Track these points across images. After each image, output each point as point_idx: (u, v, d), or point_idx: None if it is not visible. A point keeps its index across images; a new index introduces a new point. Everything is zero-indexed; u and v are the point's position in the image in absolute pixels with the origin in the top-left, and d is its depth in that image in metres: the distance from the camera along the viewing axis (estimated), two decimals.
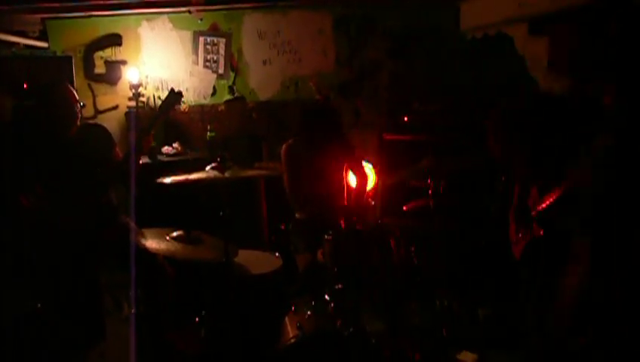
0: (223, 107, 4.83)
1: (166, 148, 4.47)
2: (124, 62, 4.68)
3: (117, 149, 3.20)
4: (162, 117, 3.05)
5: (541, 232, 2.23)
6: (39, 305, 2.50)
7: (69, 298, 2.77)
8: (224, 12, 4.77)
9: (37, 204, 2.80)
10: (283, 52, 4.92)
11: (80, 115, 3.08)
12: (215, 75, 4.84)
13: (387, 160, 4.31)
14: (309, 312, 2.56)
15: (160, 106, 3.08)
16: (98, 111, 4.67)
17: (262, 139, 4.79)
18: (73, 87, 4.16)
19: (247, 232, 4.03)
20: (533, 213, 2.32)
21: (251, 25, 4.85)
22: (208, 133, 4.51)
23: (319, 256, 2.92)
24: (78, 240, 2.83)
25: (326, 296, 2.65)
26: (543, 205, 2.24)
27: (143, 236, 2.53)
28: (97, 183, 2.93)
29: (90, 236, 2.88)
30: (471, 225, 3.51)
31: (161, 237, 2.57)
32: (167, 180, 2.49)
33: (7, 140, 3.03)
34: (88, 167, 2.95)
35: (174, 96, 2.99)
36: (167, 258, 2.92)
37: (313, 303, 2.61)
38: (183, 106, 4.66)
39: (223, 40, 4.82)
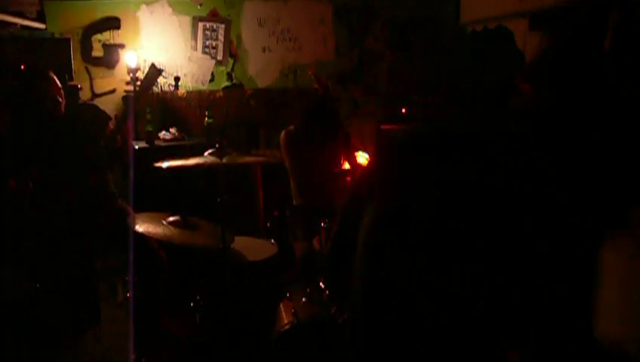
0: (221, 93, 4.82)
1: (163, 134, 4.46)
2: (122, 46, 4.64)
3: (111, 124, 3.15)
4: (144, 94, 2.98)
5: None
6: (38, 286, 2.50)
7: (64, 280, 2.77)
8: None
9: (31, 186, 2.78)
10: (283, 40, 4.90)
11: (63, 100, 3.00)
12: (214, 61, 4.82)
13: None
14: (304, 299, 2.58)
15: (140, 84, 3.00)
16: (95, 95, 4.63)
17: (259, 127, 4.79)
18: (72, 70, 4.19)
19: (244, 219, 4.04)
20: None
21: (251, 12, 4.83)
22: (206, 119, 4.49)
23: (315, 243, 2.94)
24: (71, 220, 2.82)
25: (321, 284, 2.66)
26: None
27: (139, 221, 2.53)
28: (88, 161, 2.90)
29: (83, 216, 2.88)
30: None
31: (158, 221, 2.57)
32: (165, 165, 2.49)
33: None
34: (79, 146, 2.93)
35: (155, 71, 2.91)
36: (162, 243, 2.92)
37: (308, 290, 2.62)
38: (180, 91, 4.64)
39: (223, 26, 4.79)
